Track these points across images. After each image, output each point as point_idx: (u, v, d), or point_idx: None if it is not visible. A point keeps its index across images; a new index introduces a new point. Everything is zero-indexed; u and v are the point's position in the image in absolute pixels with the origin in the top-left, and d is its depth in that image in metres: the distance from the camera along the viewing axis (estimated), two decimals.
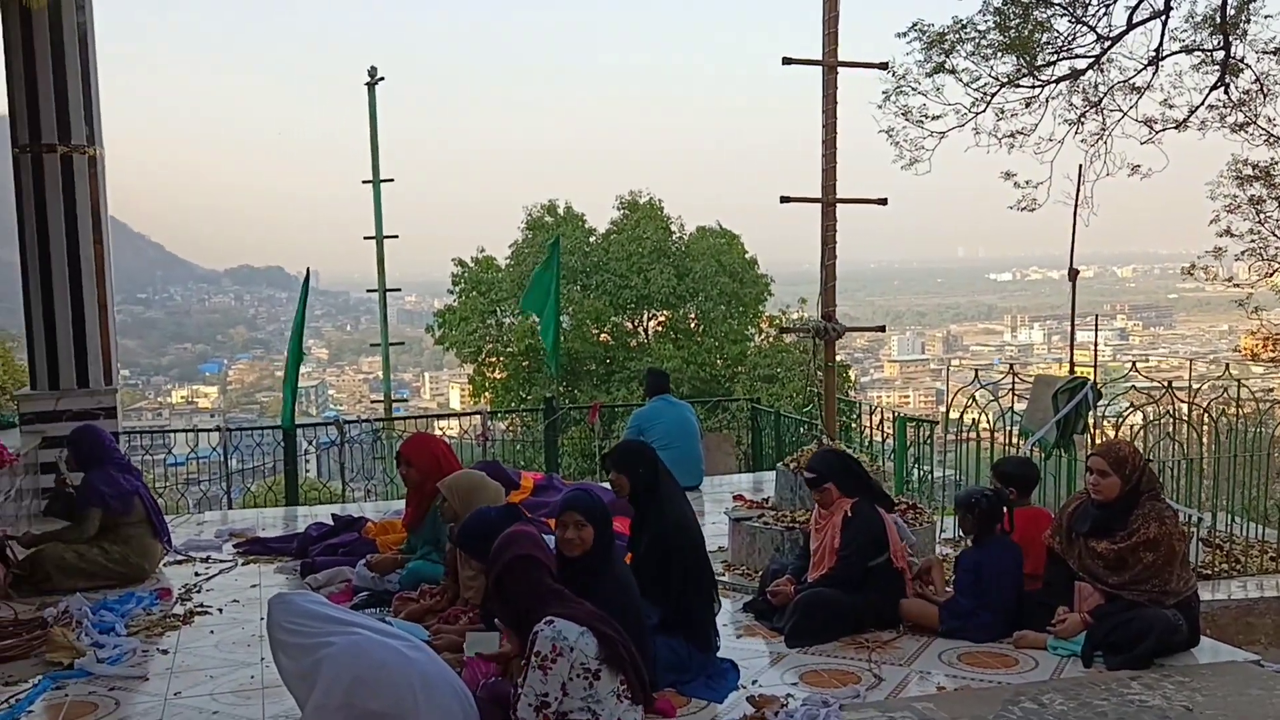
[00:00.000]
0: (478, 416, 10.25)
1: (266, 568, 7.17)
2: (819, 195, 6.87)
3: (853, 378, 36.03)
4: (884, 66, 6.87)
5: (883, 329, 7.79)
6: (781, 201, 6.89)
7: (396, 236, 14.67)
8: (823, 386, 7.06)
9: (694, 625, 5.00)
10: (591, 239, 27.97)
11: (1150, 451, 6.91)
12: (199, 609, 6.17)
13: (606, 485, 5.60)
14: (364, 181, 14.49)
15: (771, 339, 24.67)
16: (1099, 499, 5.27)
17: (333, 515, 7.93)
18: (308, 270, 11.02)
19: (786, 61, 6.65)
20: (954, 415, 7.68)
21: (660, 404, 9.59)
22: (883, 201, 6.98)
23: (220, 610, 6.17)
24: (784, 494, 7.05)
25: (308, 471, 12.32)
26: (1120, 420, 6.99)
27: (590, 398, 24.67)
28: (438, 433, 10.90)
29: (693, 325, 27.86)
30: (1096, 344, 7.06)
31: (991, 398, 7.48)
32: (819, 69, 6.69)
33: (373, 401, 13.92)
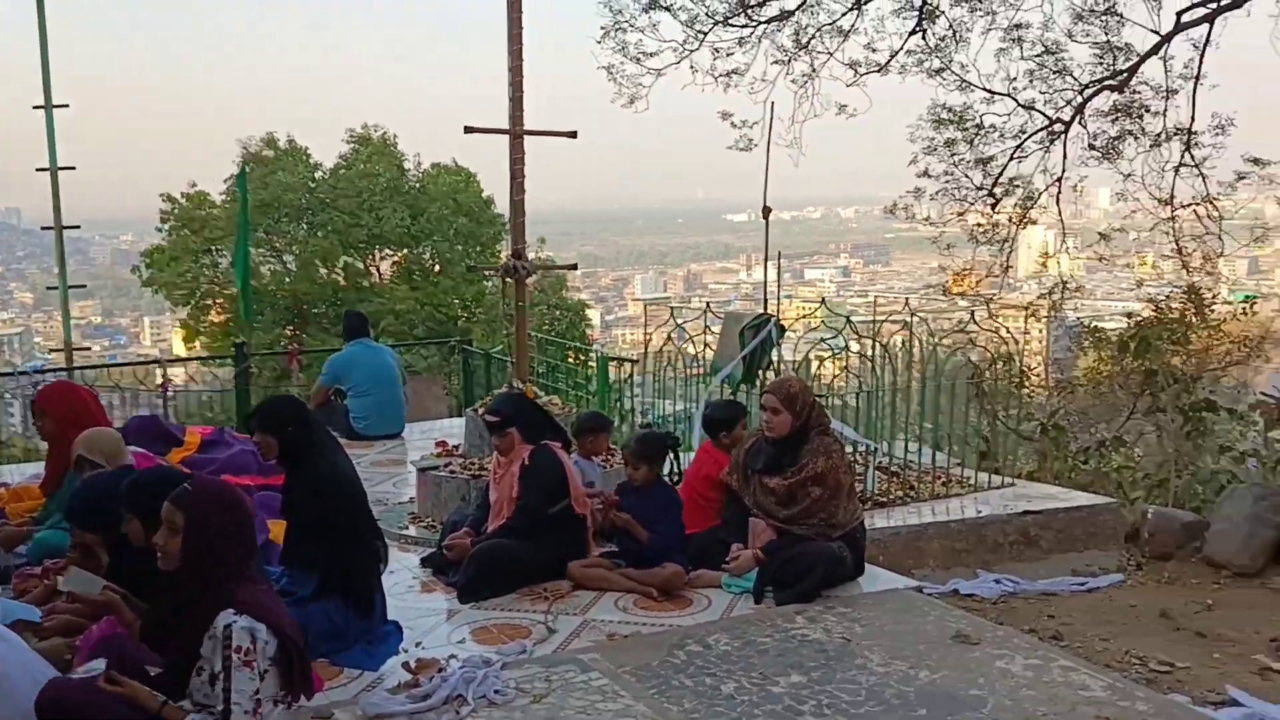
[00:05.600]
0: (156, 367, 9.34)
1: None
2: (509, 127, 6.52)
3: (594, 318, 36.31)
4: None
5: (574, 267, 7.59)
6: (466, 132, 6.50)
7: (74, 168, 13.10)
8: (514, 327, 6.77)
9: (355, 588, 4.63)
10: (318, 174, 26.52)
11: (831, 385, 7.08)
12: None
13: None
14: (35, 107, 12.81)
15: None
16: (772, 436, 5.28)
17: None
18: None
19: None
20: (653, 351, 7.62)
21: (358, 348, 9.04)
22: (572, 134, 6.67)
23: None
24: (473, 441, 6.74)
25: None
26: (804, 357, 7.11)
27: (320, 341, 23.45)
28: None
29: (429, 265, 27.04)
30: (778, 281, 7.09)
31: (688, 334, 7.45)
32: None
33: (78, 349, 12.34)
